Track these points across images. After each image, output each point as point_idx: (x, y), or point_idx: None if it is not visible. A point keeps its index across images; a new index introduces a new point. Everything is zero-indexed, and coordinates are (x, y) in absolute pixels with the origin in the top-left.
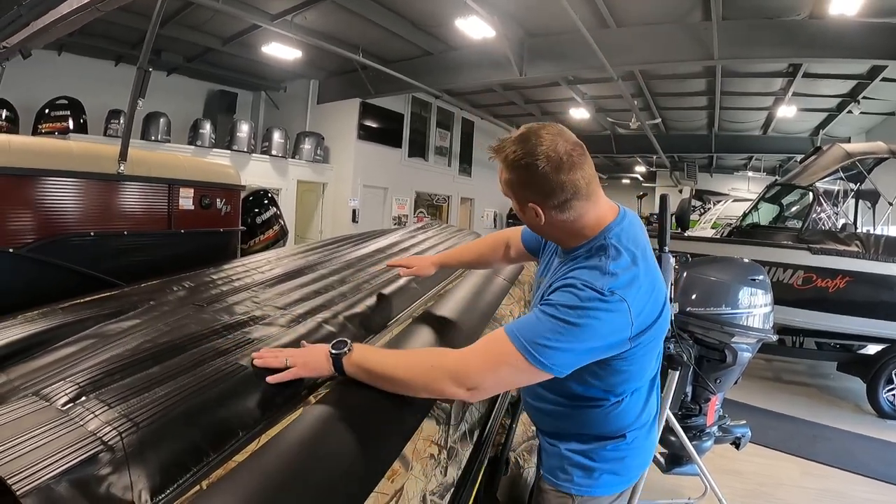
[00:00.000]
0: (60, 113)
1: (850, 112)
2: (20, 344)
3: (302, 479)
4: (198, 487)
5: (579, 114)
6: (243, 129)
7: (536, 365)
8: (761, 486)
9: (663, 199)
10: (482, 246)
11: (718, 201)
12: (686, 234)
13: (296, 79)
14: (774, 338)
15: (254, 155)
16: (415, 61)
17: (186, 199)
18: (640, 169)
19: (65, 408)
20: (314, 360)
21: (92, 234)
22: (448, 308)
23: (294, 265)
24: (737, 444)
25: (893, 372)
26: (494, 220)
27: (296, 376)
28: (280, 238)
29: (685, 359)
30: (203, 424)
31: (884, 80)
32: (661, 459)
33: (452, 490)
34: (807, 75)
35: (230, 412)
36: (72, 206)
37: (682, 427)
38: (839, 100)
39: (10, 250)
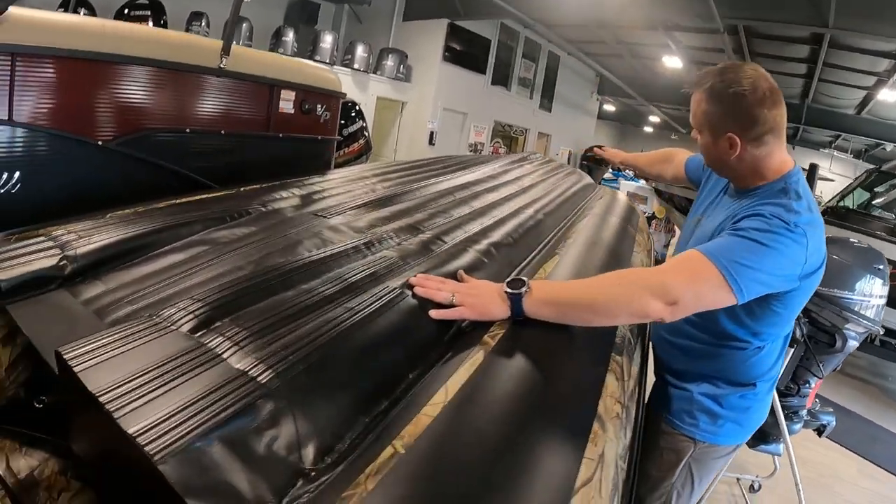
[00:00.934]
0: (141, 13)
1: None
2: (117, 247)
3: (512, 441)
4: (388, 448)
5: (672, 62)
6: (326, 40)
7: (731, 284)
8: (821, 477)
9: (813, 168)
10: (653, 156)
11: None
12: None
13: None
14: (881, 331)
15: (335, 67)
16: None
17: (287, 102)
18: None
19: (196, 335)
20: (484, 301)
21: (187, 130)
22: (583, 247)
23: (401, 183)
24: (820, 430)
25: None
26: (569, 159)
27: (461, 317)
28: (364, 153)
29: (799, 335)
30: (369, 364)
31: None
32: None
33: (628, 454)
34: None
35: (397, 350)
36: (167, 99)
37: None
38: None
39: (99, 142)
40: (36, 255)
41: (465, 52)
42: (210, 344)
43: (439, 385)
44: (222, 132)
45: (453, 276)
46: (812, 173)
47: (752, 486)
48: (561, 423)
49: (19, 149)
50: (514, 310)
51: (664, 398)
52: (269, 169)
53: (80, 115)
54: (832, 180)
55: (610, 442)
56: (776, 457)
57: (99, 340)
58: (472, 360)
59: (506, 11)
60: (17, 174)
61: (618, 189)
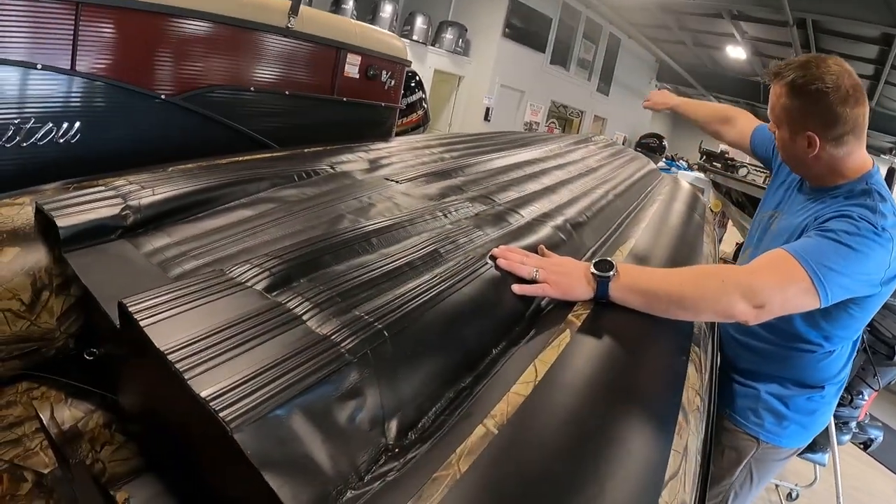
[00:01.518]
0: None
1: None
2: (182, 200)
3: (604, 426)
4: (479, 426)
5: (735, 52)
6: (386, 10)
7: (818, 288)
8: (856, 491)
9: (891, 173)
10: (714, 110)
11: None
12: None
13: None
14: None
15: (377, 28)
16: None
17: (353, 67)
18: None
19: (272, 294)
20: (571, 281)
21: (251, 89)
22: (655, 232)
23: (467, 154)
24: (867, 445)
25: None
26: (624, 143)
27: (543, 293)
28: (423, 124)
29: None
30: (454, 336)
31: None
32: None
33: (701, 449)
34: None
35: (481, 323)
36: (233, 56)
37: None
38: None
39: (163, 96)
40: (97, 204)
41: (525, 29)
42: (288, 304)
43: (527, 363)
44: (286, 93)
45: (533, 249)
46: (889, 178)
47: (790, 495)
48: (649, 413)
49: (81, 100)
50: (598, 292)
51: (728, 395)
52: (331, 133)
53: (144, 68)
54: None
55: (692, 435)
56: (819, 466)
57: (166, 294)
58: (560, 339)
59: None
60: (77, 125)
61: None
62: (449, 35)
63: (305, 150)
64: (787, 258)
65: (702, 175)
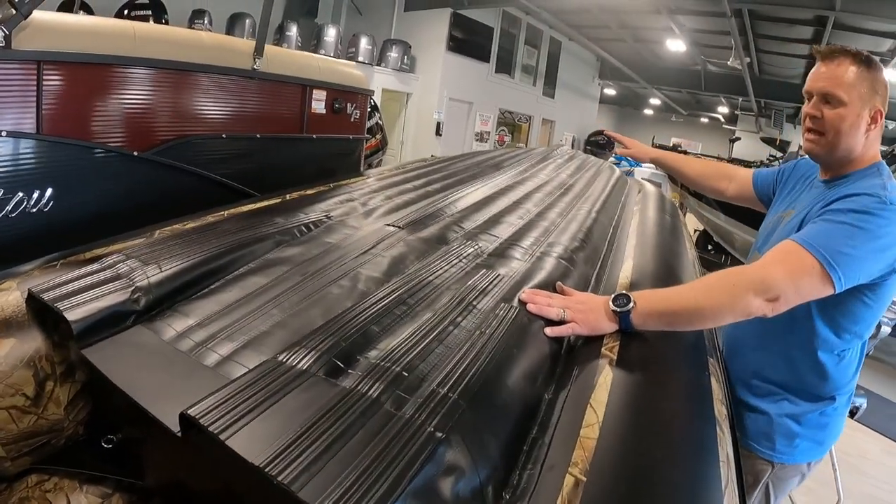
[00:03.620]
0: (142, 13)
1: None
2: (190, 273)
3: (671, 452)
4: (567, 476)
5: (675, 45)
6: (330, 34)
7: (831, 273)
8: (847, 456)
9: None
10: (705, 168)
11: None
12: None
13: None
14: None
15: (339, 61)
16: None
17: (319, 103)
18: (723, 110)
19: (337, 380)
20: (597, 317)
21: (224, 135)
22: (648, 248)
23: (447, 185)
24: (853, 412)
25: None
26: (573, 144)
27: (573, 333)
28: (381, 148)
29: None
30: (514, 389)
31: None
32: None
33: (733, 454)
34: None
35: (530, 370)
36: (203, 104)
37: None
38: None
39: (135, 153)
40: (103, 289)
41: (469, 40)
42: (360, 389)
43: (583, 405)
44: (258, 136)
45: (547, 286)
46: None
47: None
48: (696, 431)
49: (50, 164)
50: (622, 325)
51: (739, 419)
52: (303, 170)
53: (114, 124)
54: None
55: (728, 445)
56: None
57: (230, 397)
58: (604, 377)
59: None
60: (49, 191)
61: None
62: (394, 53)
63: (289, 198)
64: (795, 248)
65: (658, 170)
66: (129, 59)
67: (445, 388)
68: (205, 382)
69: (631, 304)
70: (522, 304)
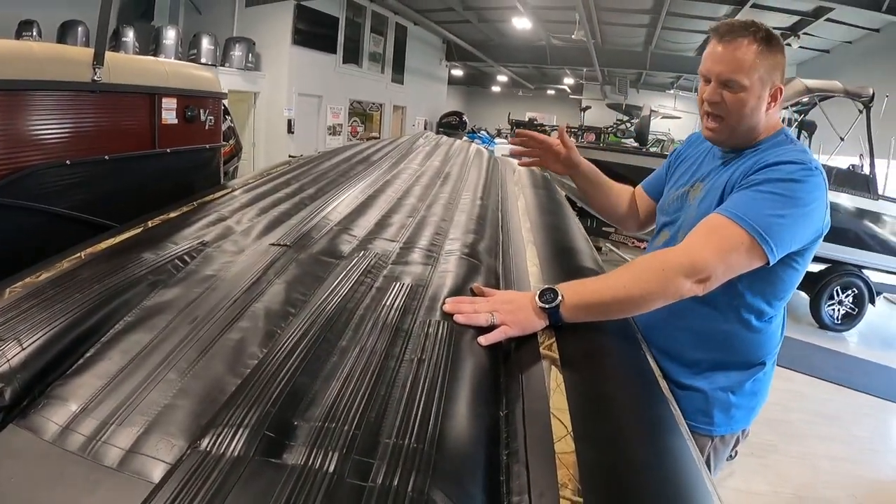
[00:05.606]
0: None
1: (788, 45)
2: (59, 343)
3: (652, 450)
4: (563, 501)
5: (521, 23)
6: (169, 36)
7: (762, 244)
8: (778, 392)
9: None
10: (615, 185)
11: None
12: (644, 150)
13: None
14: None
15: (187, 64)
16: None
17: (170, 112)
18: (569, 81)
19: (281, 459)
20: (526, 315)
21: (68, 162)
22: (540, 229)
23: (323, 189)
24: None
25: (835, 289)
26: (425, 126)
27: (506, 336)
28: (236, 154)
29: None
30: (475, 419)
31: (827, 20)
32: None
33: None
34: (755, 6)
35: (480, 392)
36: (41, 127)
37: None
38: (779, 32)
39: None
40: None
41: (314, 32)
42: (312, 465)
43: (545, 416)
44: (106, 157)
45: (463, 290)
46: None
47: None
48: (662, 418)
49: None
50: (552, 320)
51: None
52: (160, 189)
53: None
54: (679, 117)
55: (682, 419)
56: None
57: None
58: (554, 381)
59: None
60: None
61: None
62: (237, 52)
63: (151, 225)
64: (723, 221)
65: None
66: None
67: (407, 439)
68: (114, 495)
69: (559, 299)
70: (448, 315)
